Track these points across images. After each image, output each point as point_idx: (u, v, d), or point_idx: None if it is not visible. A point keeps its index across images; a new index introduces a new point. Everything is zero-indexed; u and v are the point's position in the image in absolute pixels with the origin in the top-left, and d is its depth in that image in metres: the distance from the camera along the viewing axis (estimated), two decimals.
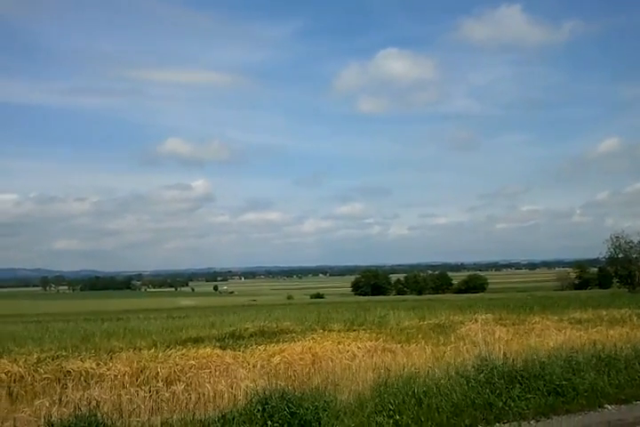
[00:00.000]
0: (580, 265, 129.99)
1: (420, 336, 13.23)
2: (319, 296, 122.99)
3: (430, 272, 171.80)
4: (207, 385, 8.28)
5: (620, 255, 79.21)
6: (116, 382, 8.65)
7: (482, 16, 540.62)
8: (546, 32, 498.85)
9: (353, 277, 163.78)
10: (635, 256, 78.05)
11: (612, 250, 79.22)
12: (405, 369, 8.89)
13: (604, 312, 18.90)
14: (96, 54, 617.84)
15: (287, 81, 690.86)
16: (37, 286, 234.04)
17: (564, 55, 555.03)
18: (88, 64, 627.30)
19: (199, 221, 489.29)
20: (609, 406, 8.27)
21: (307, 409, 6.73)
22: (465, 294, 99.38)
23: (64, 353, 11.19)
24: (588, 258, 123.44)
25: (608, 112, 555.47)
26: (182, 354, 10.18)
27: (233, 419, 6.67)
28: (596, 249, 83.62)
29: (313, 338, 12.56)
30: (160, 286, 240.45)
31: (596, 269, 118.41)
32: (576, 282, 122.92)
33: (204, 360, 9.65)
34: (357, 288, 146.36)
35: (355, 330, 14.91)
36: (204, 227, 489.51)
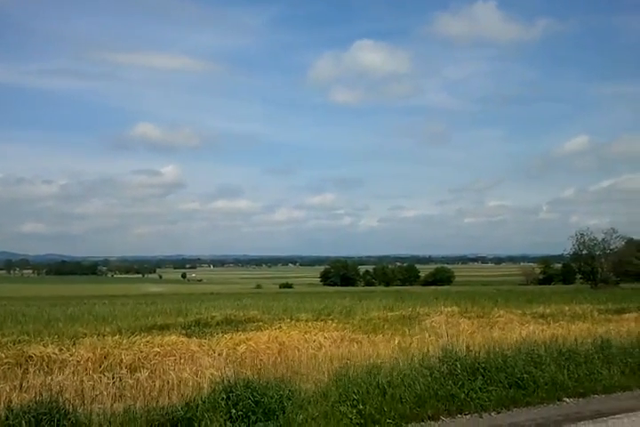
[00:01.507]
0: (545, 261, 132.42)
1: (386, 327, 13.35)
2: (288, 286, 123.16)
3: (399, 264, 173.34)
4: (171, 373, 8.22)
5: (584, 252, 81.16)
6: (79, 368, 8.52)
7: (458, 11, 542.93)
8: (520, 29, 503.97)
9: (323, 268, 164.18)
10: (598, 253, 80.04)
11: (576, 247, 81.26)
12: (371, 360, 8.96)
13: (567, 307, 19.29)
14: (70, 36, 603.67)
15: (263, 69, 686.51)
16: (1, 269, 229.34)
17: (538, 52, 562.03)
18: (61, 46, 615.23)
19: (168, 208, 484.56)
20: (568, 400, 8.46)
21: (271, 398, 6.74)
22: (432, 287, 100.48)
23: (26, 338, 11.01)
24: (552, 254, 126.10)
25: (578, 110, 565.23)
26: (147, 341, 10.07)
27: (197, 407, 6.65)
28: (561, 246, 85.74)
29: (280, 327, 12.56)
30: (127, 273, 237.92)
31: (560, 265, 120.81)
32: (540, 277, 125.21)
33: (169, 348, 9.56)
34: (326, 279, 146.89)
35: (322, 320, 14.95)
36: (173, 213, 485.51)
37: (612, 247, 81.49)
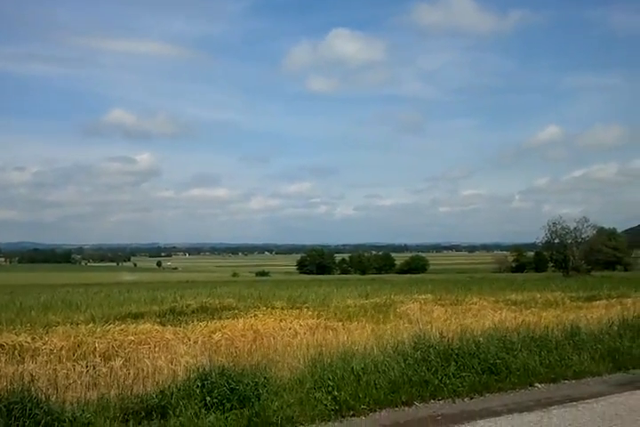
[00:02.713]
0: (518, 249, 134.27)
1: (361, 315, 13.44)
2: (264, 274, 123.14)
3: (374, 253, 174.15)
4: (146, 361, 8.18)
5: (556, 241, 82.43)
6: (52, 356, 8.44)
7: (433, 1, 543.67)
8: (495, 20, 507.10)
9: (299, 256, 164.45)
10: (570, 242, 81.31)
11: (548, 235, 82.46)
12: (346, 347, 9.01)
13: (539, 295, 19.63)
14: (43, 20, 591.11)
15: (239, 56, 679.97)
16: None
17: (512, 43, 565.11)
18: (34, 30, 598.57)
19: (143, 195, 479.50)
20: (539, 385, 8.62)
21: (246, 385, 6.76)
22: (407, 275, 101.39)
23: None
24: (525, 242, 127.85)
25: (552, 101, 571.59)
26: (121, 329, 10.01)
27: (171, 395, 6.63)
28: (534, 234, 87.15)
29: (255, 315, 12.58)
30: (101, 261, 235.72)
31: (532, 254, 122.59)
32: (513, 265, 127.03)
33: (144, 336, 9.52)
34: (302, 267, 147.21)
35: (298, 308, 15.01)
36: (148, 201, 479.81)
37: (583, 236, 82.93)
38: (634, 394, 8.13)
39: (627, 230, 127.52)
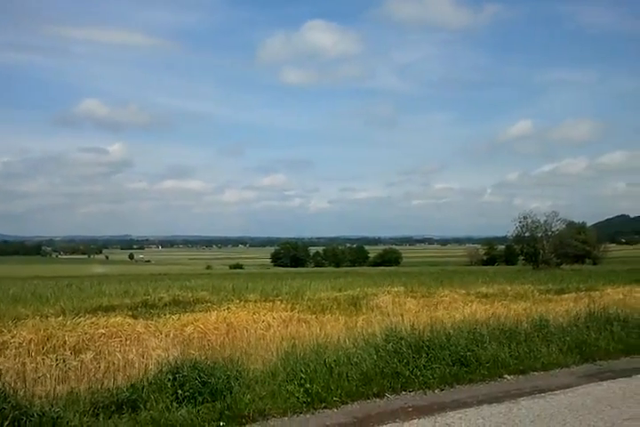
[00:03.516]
0: (489, 242, 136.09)
1: (334, 307, 13.51)
2: (238, 267, 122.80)
3: (348, 246, 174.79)
4: (117, 354, 8.12)
5: (527, 234, 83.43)
6: (21, 349, 8.33)
7: None
8: (470, 14, 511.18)
9: (273, 249, 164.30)
10: (540, 235, 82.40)
11: (519, 229, 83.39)
12: (318, 339, 9.04)
13: (509, 287, 19.92)
14: (16, 7, 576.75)
15: (215, 47, 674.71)
16: None
17: (487, 38, 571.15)
18: (6, 18, 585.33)
19: (116, 187, 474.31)
20: (508, 377, 8.73)
21: (218, 378, 6.74)
22: (380, 267, 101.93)
23: None
24: (496, 236, 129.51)
25: (525, 95, 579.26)
26: (92, 323, 9.91)
27: (142, 388, 6.59)
28: (505, 227, 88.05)
29: (229, 308, 12.55)
30: (72, 253, 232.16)
31: (503, 247, 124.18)
32: (484, 258, 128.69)
33: (115, 329, 9.45)
34: (277, 260, 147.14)
35: (271, 301, 15.03)
36: (121, 193, 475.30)
37: (553, 230, 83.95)
38: (600, 385, 8.31)
39: (596, 224, 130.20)
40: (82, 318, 10.31)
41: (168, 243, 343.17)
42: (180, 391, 6.51)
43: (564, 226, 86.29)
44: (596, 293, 16.36)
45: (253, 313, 11.63)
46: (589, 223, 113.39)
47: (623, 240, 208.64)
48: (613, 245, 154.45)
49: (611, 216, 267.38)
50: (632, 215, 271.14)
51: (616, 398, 7.58)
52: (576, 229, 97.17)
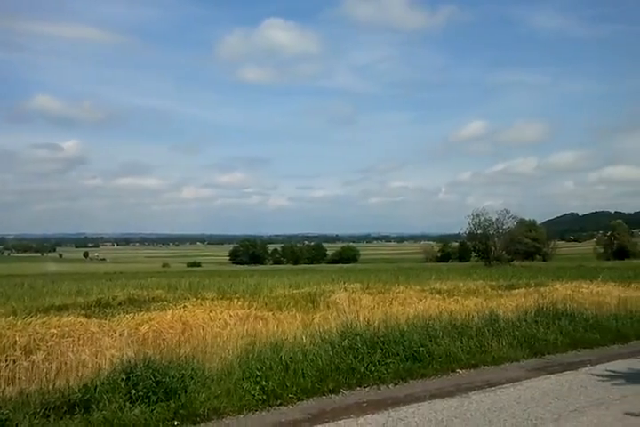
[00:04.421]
0: (443, 239, 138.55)
1: (291, 304, 13.50)
2: (196, 265, 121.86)
3: (307, 243, 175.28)
4: (70, 354, 7.96)
5: (479, 231, 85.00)
6: None
7: None
8: (425, 16, 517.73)
9: (231, 246, 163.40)
10: (492, 233, 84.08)
11: (472, 226, 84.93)
12: (275, 336, 9.08)
13: (462, 284, 20.22)
14: None
15: (172, 43, 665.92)
16: None
17: (443, 39, 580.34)
18: None
19: (70, 184, 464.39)
20: (460, 371, 8.94)
21: (173, 378, 6.71)
22: (338, 265, 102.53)
23: None
24: (450, 233, 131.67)
25: (478, 96, 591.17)
26: (43, 322, 9.67)
27: (95, 388, 6.52)
28: (458, 225, 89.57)
29: (185, 306, 12.41)
30: (25, 251, 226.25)
31: (457, 244, 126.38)
32: (439, 255, 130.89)
33: (67, 329, 9.24)
34: (235, 257, 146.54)
35: (228, 298, 14.91)
36: (74, 190, 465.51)
37: (504, 227, 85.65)
38: (548, 378, 8.60)
39: (545, 222, 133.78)
40: (33, 318, 10.05)
41: (124, 241, 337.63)
42: (133, 391, 6.46)
43: (514, 224, 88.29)
44: (546, 288, 16.78)
45: (210, 311, 11.53)
46: (539, 221, 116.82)
47: (572, 237, 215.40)
48: (562, 242, 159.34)
49: (560, 214, 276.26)
50: (580, 213, 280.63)
51: (563, 390, 7.86)
52: (526, 226, 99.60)
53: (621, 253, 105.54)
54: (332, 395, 7.51)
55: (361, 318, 10.03)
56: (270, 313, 11.85)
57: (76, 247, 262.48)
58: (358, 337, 8.87)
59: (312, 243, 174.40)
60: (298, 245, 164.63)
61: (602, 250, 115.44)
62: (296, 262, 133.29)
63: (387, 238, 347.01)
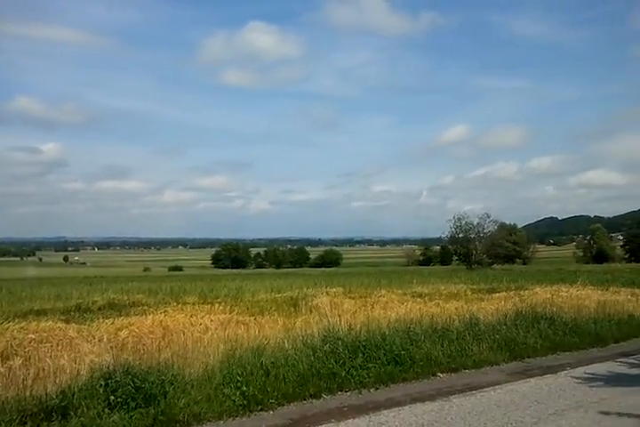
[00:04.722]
0: (425, 243, 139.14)
1: (273, 309, 13.47)
2: (177, 269, 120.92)
3: (289, 247, 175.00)
4: (47, 360, 7.85)
5: (461, 235, 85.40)
6: None
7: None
8: (406, 21, 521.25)
9: (213, 250, 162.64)
10: (473, 236, 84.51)
11: (453, 230, 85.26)
12: (257, 341, 9.04)
13: (443, 287, 20.34)
14: None
15: (154, 45, 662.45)
16: None
17: (424, 44, 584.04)
18: None
19: (50, 187, 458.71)
20: (441, 375, 8.97)
21: (152, 383, 6.65)
22: (320, 269, 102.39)
23: None
24: (432, 237, 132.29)
25: (460, 101, 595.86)
26: (21, 327, 9.54)
27: (73, 395, 6.43)
28: (440, 229, 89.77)
29: (165, 311, 12.32)
30: (3, 255, 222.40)
31: (438, 248, 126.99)
32: (421, 259, 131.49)
33: (46, 334, 9.12)
34: (217, 261, 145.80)
35: (210, 303, 14.83)
36: (55, 193, 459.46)
37: (485, 231, 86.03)
38: (527, 382, 8.66)
39: (526, 226, 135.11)
40: (11, 323, 9.91)
41: (105, 245, 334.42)
42: (112, 397, 6.39)
43: (495, 227, 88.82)
44: (526, 292, 16.90)
45: (191, 316, 11.45)
46: (520, 225, 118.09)
47: (551, 241, 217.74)
48: (542, 246, 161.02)
49: (540, 218, 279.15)
50: (560, 217, 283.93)
51: (542, 393, 7.92)
52: (507, 230, 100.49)
53: (600, 256, 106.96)
54: (314, 400, 7.49)
55: (343, 323, 10.02)
56: (252, 318, 11.79)
57: (56, 251, 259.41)
58: (340, 341, 8.86)
59: (295, 247, 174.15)
60: (280, 248, 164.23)
61: (581, 254, 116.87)
62: (278, 266, 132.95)
63: (369, 242, 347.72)
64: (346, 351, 8.63)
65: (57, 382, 7.14)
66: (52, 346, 8.60)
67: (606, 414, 6.83)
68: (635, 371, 9.39)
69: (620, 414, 6.79)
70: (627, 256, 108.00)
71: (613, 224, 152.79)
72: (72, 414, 6.15)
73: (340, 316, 11.11)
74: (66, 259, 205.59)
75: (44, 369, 7.61)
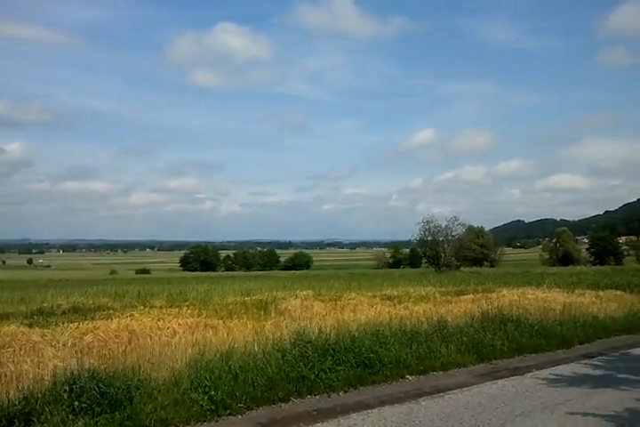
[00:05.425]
0: (395, 246, 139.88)
1: (242, 312, 13.39)
2: (145, 271, 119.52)
3: (259, 249, 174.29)
4: (10, 365, 7.67)
5: (429, 238, 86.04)
6: None
7: (316, 2, 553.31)
8: (376, 25, 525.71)
9: (182, 253, 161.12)
10: (441, 239, 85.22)
11: (422, 233, 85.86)
12: (225, 345, 8.96)
13: (412, 290, 20.47)
14: None
15: (123, 45, 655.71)
16: None
17: (393, 49, 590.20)
18: None
19: (14, 188, 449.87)
20: (410, 377, 9.01)
21: (118, 388, 6.53)
22: (291, 271, 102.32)
23: None
24: (401, 240, 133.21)
25: (428, 105, 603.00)
26: None
27: (36, 401, 6.28)
28: (409, 232, 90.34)
29: (132, 315, 12.15)
30: None
31: (408, 250, 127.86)
32: (390, 261, 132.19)
33: (8, 339, 8.93)
34: (186, 264, 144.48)
35: (178, 306, 14.68)
36: (19, 194, 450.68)
37: (453, 234, 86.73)
38: (495, 384, 8.74)
39: (493, 229, 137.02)
40: None
41: (70, 247, 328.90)
42: (76, 403, 6.26)
43: (463, 230, 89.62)
44: (493, 294, 17.13)
45: (158, 319, 11.32)
46: (487, 228, 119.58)
47: (518, 244, 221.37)
48: (509, 248, 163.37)
49: (507, 221, 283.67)
50: (527, 221, 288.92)
51: (509, 395, 8.01)
52: (475, 233, 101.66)
53: (566, 259, 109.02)
54: (282, 404, 7.45)
55: (313, 326, 10.00)
56: (221, 321, 11.71)
57: (20, 254, 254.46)
58: (309, 345, 8.82)
59: (265, 249, 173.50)
60: (250, 251, 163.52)
61: (547, 256, 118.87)
62: (248, 269, 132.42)
63: (339, 245, 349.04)
64: (315, 355, 8.60)
65: (19, 387, 6.97)
66: (14, 351, 8.42)
67: (571, 414, 6.93)
68: (598, 372, 9.56)
69: (584, 415, 6.90)
70: (592, 259, 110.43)
71: (579, 227, 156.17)
72: (35, 420, 6.01)
73: (310, 319, 11.11)
74: (30, 261, 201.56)
75: (5, 375, 7.44)
